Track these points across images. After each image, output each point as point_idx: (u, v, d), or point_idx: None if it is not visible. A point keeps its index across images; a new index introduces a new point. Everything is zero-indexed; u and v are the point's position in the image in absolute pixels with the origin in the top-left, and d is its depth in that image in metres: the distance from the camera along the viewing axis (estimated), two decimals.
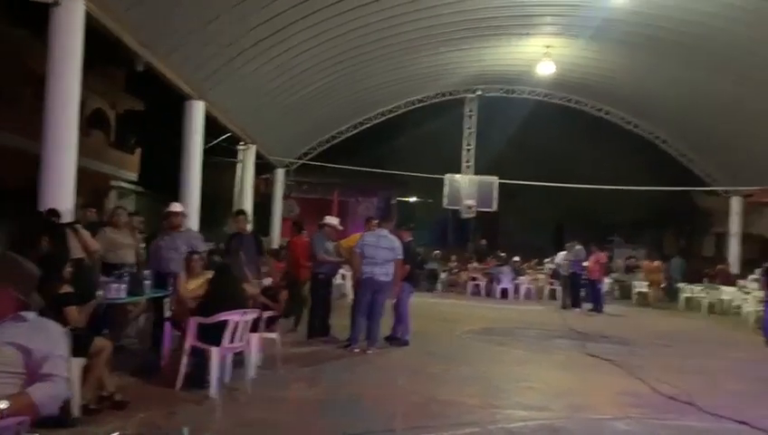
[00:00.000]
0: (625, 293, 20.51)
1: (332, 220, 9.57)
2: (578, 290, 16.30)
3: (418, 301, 13.46)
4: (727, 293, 16.95)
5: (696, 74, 17.11)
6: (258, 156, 19.30)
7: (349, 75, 17.73)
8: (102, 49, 11.68)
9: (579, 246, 16.25)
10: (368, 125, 22.96)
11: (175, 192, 12.74)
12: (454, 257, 20.67)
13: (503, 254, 21.62)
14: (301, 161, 23.08)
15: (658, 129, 22.25)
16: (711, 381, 7.92)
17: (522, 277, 19.05)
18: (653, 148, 23.05)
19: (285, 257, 11.15)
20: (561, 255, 17.21)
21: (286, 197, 24.59)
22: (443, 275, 19.67)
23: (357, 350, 8.43)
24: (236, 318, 6.02)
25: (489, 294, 18.47)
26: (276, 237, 21.31)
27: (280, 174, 22.73)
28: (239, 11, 11.09)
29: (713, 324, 14.67)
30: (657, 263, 20.14)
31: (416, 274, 9.76)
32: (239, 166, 19.21)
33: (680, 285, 19.04)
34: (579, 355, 9.31)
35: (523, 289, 18.66)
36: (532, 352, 9.61)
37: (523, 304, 17.03)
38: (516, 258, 20.01)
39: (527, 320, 13.46)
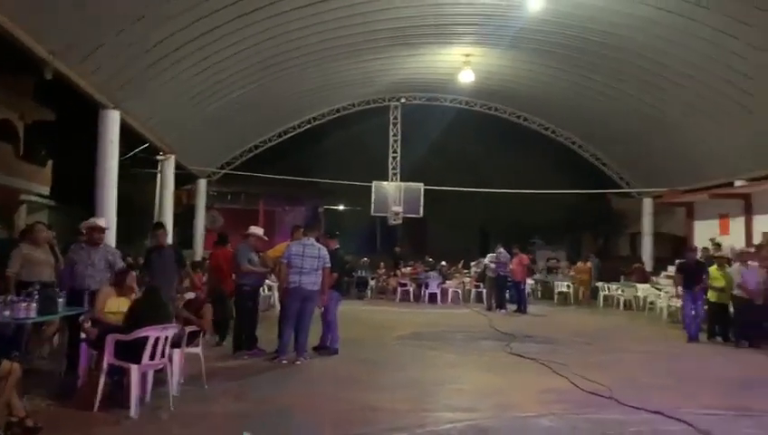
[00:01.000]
0: (547, 293, 21.18)
1: (257, 230, 9.39)
2: (503, 292, 16.71)
3: (348, 309, 13.40)
4: (642, 290, 17.80)
5: (604, 81, 17.93)
6: (179, 166, 18.78)
7: (272, 83, 17.55)
8: (8, 57, 11.09)
9: (501, 249, 16.67)
10: (293, 133, 22.81)
11: (90, 205, 12.21)
12: (382, 264, 20.74)
13: (430, 259, 21.90)
14: (224, 171, 22.64)
15: (574, 134, 23.18)
16: (628, 375, 8.27)
17: (449, 281, 19.34)
18: (570, 152, 23.99)
19: (207, 270, 10.88)
20: (487, 258, 17.60)
21: (209, 208, 24.03)
22: (372, 282, 19.69)
23: (285, 361, 8.30)
24: (156, 334, 5.81)
25: (418, 299, 18.63)
26: (199, 250, 20.78)
27: (202, 184, 22.22)
28: (156, 17, 10.77)
29: (629, 321, 15.34)
30: (588, 264, 20.99)
31: (344, 281, 9.73)
32: (159, 177, 18.61)
33: (598, 284, 19.83)
34: (504, 355, 9.51)
35: (450, 293, 18.94)
36: (460, 354, 9.75)
37: (451, 308, 17.26)
38: (443, 263, 20.30)
39: (455, 323, 13.66)
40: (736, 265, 11.54)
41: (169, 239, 10.63)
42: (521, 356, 9.29)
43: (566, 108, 21.14)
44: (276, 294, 12.31)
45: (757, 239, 16.45)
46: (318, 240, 8.93)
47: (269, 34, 14.20)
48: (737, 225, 18.58)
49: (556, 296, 20.08)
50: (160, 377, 6.25)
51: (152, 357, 5.81)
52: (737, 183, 17.98)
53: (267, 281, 12.71)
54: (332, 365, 8.44)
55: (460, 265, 21.41)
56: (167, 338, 5.96)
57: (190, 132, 17.98)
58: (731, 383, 7.86)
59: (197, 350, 7.03)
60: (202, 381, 6.82)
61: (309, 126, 22.77)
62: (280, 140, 22.76)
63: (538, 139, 24.30)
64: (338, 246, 9.40)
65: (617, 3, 13.64)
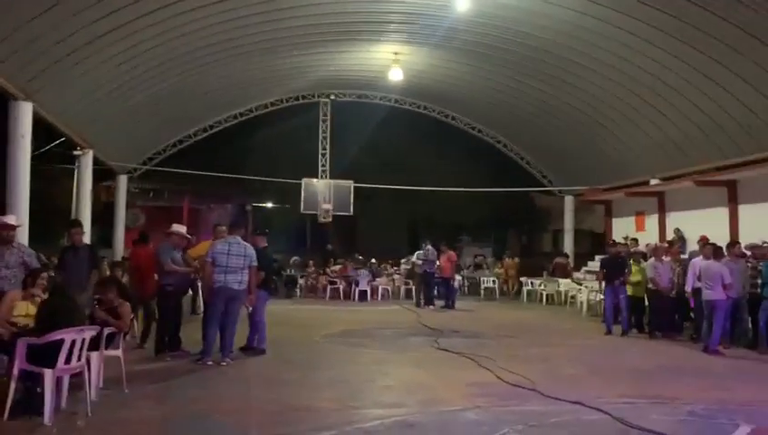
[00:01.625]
0: (474, 289, 21.62)
1: (180, 228, 9.11)
2: (431, 288, 16.94)
3: (276, 308, 13.26)
4: (563, 284, 18.44)
5: (527, 82, 18.43)
6: (98, 162, 18.00)
7: (197, 76, 17.10)
8: None
9: (429, 247, 16.88)
10: (219, 128, 22.30)
11: (0, 203, 11.54)
12: (312, 263, 20.59)
13: (360, 257, 21.93)
14: (146, 167, 21.88)
15: (499, 133, 23.73)
16: (550, 367, 8.55)
17: (379, 279, 19.41)
18: (496, 151, 24.54)
19: (127, 269, 10.49)
20: (415, 255, 17.80)
21: (131, 205, 23.19)
22: (301, 281, 19.53)
23: (210, 363, 8.10)
24: (72, 336, 5.54)
25: (348, 297, 18.61)
26: (120, 249, 20.02)
27: (123, 181, 21.39)
28: (72, 4, 10.27)
29: (552, 315, 15.84)
30: (515, 260, 21.85)
31: (272, 281, 9.57)
32: (76, 173, 17.77)
33: (522, 279, 20.41)
34: (432, 351, 9.63)
35: (380, 290, 19.02)
36: (389, 351, 9.79)
37: (381, 305, 17.34)
38: (373, 260, 20.36)
39: (384, 320, 13.72)
40: (651, 260, 12.10)
41: (87, 238, 10.18)
42: (448, 351, 9.44)
43: (492, 108, 21.61)
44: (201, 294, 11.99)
45: (670, 235, 17.34)
46: (247, 239, 8.77)
47: (195, 26, 13.82)
48: (652, 222, 19.53)
49: (483, 292, 20.51)
50: (77, 382, 5.95)
51: (68, 361, 5.54)
52: (652, 182, 18.89)
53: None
54: (259, 366, 8.30)
55: (390, 263, 21.53)
56: (83, 341, 5.69)
57: (110, 126, 17.27)
58: (645, 373, 8.24)
59: (117, 352, 6.76)
60: (122, 385, 6.57)
61: (236, 121, 22.33)
62: (205, 135, 22.22)
63: (465, 138, 24.73)
64: (266, 244, 9.25)
65: (539, 5, 14.03)
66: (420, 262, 16.91)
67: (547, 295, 18.76)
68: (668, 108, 16.16)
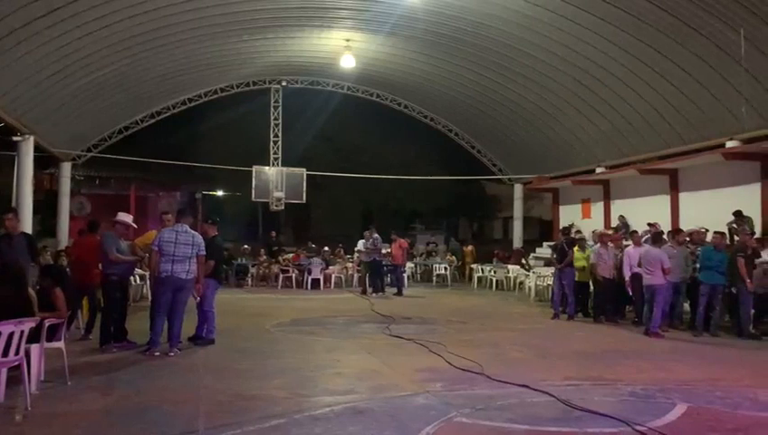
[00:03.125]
0: (426, 275, 21.83)
1: (125, 217, 8.88)
2: (378, 276, 16.95)
3: (227, 297, 13.12)
4: (512, 270, 18.80)
5: (478, 71, 18.62)
6: (39, 148, 17.34)
7: (144, 60, 16.67)
8: None
9: (375, 235, 16.89)
10: (167, 114, 21.78)
11: None
12: (263, 251, 20.37)
13: (313, 245, 21.83)
14: (90, 154, 21.22)
15: (451, 122, 23.90)
16: (499, 351, 8.73)
17: (332, 267, 19.37)
18: (448, 140, 24.75)
19: (70, 259, 10.19)
20: (361, 243, 17.83)
21: (76, 193, 22.50)
22: (253, 270, 19.32)
23: (157, 353, 7.98)
24: (9, 328, 5.36)
25: (300, 285, 18.51)
26: (64, 238, 19.42)
27: (66, 168, 20.72)
28: None
29: (501, 300, 16.13)
30: (470, 247, 22.63)
31: (221, 269, 9.44)
32: (17, 160, 17.09)
33: (473, 265, 20.70)
34: (384, 337, 9.70)
35: (333, 278, 18.99)
36: (340, 338, 9.81)
37: (334, 293, 17.31)
38: (326, 248, 20.29)
39: (336, 308, 13.72)
40: (596, 247, 12.45)
41: (29, 228, 9.84)
42: (399, 337, 9.53)
43: (443, 96, 21.75)
44: (148, 283, 11.75)
45: (614, 222, 17.86)
46: (196, 227, 8.62)
47: (141, 8, 13.47)
48: (598, 209, 20.08)
49: (435, 279, 20.73)
50: (16, 375, 5.77)
51: (5, 353, 5.36)
52: (598, 170, 19.39)
53: (138, 270, 12.15)
54: (208, 355, 8.20)
55: (342, 251, 21.51)
56: (22, 333, 5.52)
57: (52, 111, 16.67)
58: (589, 356, 8.49)
59: (59, 344, 6.58)
60: (65, 378, 6.40)
61: (184, 107, 21.83)
62: (153, 121, 21.67)
63: (418, 126, 24.85)
64: (216, 233, 9.12)
65: None
66: (365, 250, 16.94)
67: (497, 281, 19.09)
68: (614, 98, 16.59)
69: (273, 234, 23.31)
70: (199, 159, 23.96)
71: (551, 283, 13.58)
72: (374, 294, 16.29)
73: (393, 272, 17.59)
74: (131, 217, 9.13)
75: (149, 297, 10.02)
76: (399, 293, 16.64)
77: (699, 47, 13.24)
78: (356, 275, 19.46)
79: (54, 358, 6.53)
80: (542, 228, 26.03)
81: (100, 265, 8.84)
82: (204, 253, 8.21)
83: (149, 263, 8.44)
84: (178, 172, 25.29)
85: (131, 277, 11.05)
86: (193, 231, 8.31)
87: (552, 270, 13.47)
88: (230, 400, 5.97)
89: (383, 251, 17.45)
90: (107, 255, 8.48)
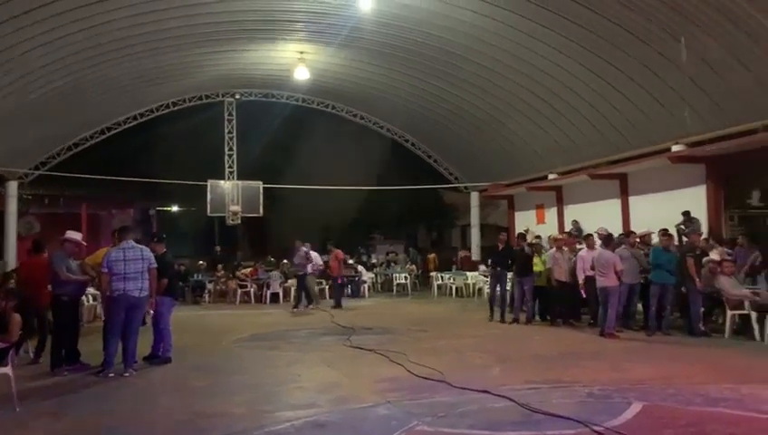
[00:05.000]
0: (387, 285, 21.85)
1: (74, 235, 8.64)
2: (305, 289, 16.23)
3: (183, 314, 12.88)
4: (471, 277, 18.98)
5: (432, 81, 18.85)
6: None
7: (91, 75, 16.35)
8: None
9: (303, 247, 16.37)
10: (118, 130, 21.34)
11: None
12: (220, 266, 20.07)
13: (272, 258, 21.61)
14: (38, 172, 20.61)
15: (407, 132, 24.08)
16: (459, 358, 8.79)
17: (291, 280, 19.16)
18: (404, 149, 24.90)
19: (18, 280, 9.85)
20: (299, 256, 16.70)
21: (24, 213, 21.79)
22: (210, 286, 19.01)
23: (112, 374, 7.76)
24: None
25: (260, 300, 18.29)
26: (12, 259, 18.78)
27: (13, 187, 20.05)
28: None
29: (461, 307, 16.25)
30: (433, 255, 23.21)
31: (175, 286, 9.26)
32: None
33: (432, 273, 20.82)
34: (344, 349, 9.65)
35: (292, 292, 18.77)
36: (302, 352, 9.72)
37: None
38: (285, 261, 20.10)
39: (296, 322, 13.62)
40: (551, 251, 12.67)
41: None
42: (360, 348, 9.50)
43: (398, 107, 21.90)
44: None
45: (568, 226, 18.22)
46: (143, 243, 8.45)
47: (89, 23, 13.22)
48: (552, 214, 20.46)
49: (395, 288, 20.76)
50: None
51: None
52: (551, 176, 19.77)
53: (91, 289, 11.82)
54: (165, 374, 8.02)
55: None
56: None
57: None
58: (547, 359, 8.62)
59: (6, 370, 6.34)
60: (13, 404, 6.17)
61: (135, 122, 21.44)
62: (103, 137, 21.20)
63: (374, 137, 24.94)
64: (165, 249, 8.95)
65: (441, 6, 14.37)
66: (301, 263, 16.21)
67: (456, 288, 19.23)
68: (564, 106, 16.98)
69: (218, 248, 22.83)
70: (152, 174, 23.53)
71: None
72: (294, 309, 15.66)
73: (332, 283, 17.06)
74: (81, 235, 8.89)
75: (103, 317, 9.77)
76: (338, 305, 16.12)
77: (644, 55, 13.69)
78: (317, 288, 19.32)
79: (2, 384, 6.30)
80: (498, 235, 26.37)
81: (49, 286, 8.56)
82: (155, 265, 8.04)
83: (100, 283, 8.22)
84: (131, 188, 24.71)
85: (83, 297, 10.75)
86: (141, 246, 8.15)
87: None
88: (188, 419, 5.85)
89: (314, 263, 16.76)
90: (57, 275, 8.23)
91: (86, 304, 12.26)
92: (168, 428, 5.59)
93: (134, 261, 7.86)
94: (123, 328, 7.90)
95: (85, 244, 9.31)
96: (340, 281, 17.04)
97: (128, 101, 20.09)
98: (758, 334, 9.58)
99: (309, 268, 16.30)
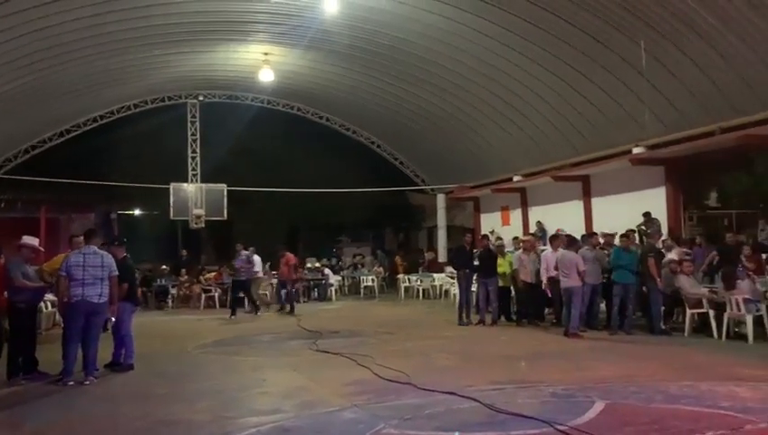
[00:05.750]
0: (354, 288, 21.81)
1: (30, 240, 8.39)
2: (236, 294, 15.72)
3: (146, 320, 12.65)
4: (438, 279, 19.06)
5: (397, 84, 18.93)
6: None
7: (52, 76, 15.97)
8: None
9: (245, 251, 15.91)
10: (78, 132, 20.87)
11: None
12: (184, 271, 19.73)
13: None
14: None
15: (372, 134, 24.09)
16: (426, 360, 8.80)
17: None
18: (370, 151, 24.90)
19: None
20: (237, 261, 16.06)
21: None
22: (173, 291, 18.68)
23: (71, 383, 7.54)
24: None
25: (224, 305, 18.01)
26: None
27: None
28: None
29: (428, 309, 16.32)
30: (401, 256, 23.38)
31: (135, 292, 9.06)
32: None
33: (400, 275, 20.86)
34: (311, 353, 9.58)
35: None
36: (266, 357, 9.63)
37: (259, 311, 16.94)
38: (225, 267, 19.77)
39: (262, 326, 13.47)
40: (518, 253, 12.79)
41: None
42: (326, 352, 9.43)
43: (364, 109, 21.92)
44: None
45: (532, 228, 18.44)
46: (106, 249, 8.25)
47: (48, 22, 12.89)
48: (516, 216, 20.68)
49: (362, 290, 20.73)
50: None
51: None
52: (515, 178, 19.99)
53: (49, 296, 11.50)
54: (126, 382, 7.85)
55: (267, 267, 21.14)
56: None
57: None
58: (512, 359, 8.70)
59: None
60: None
61: (96, 124, 20.99)
62: (62, 139, 20.71)
63: (340, 138, 24.88)
64: (125, 254, 8.76)
65: (407, 10, 14.43)
66: (241, 267, 15.61)
67: (423, 290, 19.29)
68: (527, 108, 17.20)
69: (184, 253, 22.35)
70: (113, 177, 23.05)
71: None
72: (233, 317, 14.83)
73: (282, 288, 16.56)
74: (37, 240, 8.64)
75: (62, 324, 9.51)
76: (291, 311, 15.64)
77: (605, 59, 13.95)
78: (283, 292, 19.15)
79: None
80: (464, 236, 26.54)
81: (5, 293, 8.29)
82: (116, 273, 7.85)
83: (58, 289, 7.99)
84: (92, 192, 24.16)
85: (41, 304, 10.45)
86: (102, 252, 7.95)
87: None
88: (150, 426, 5.72)
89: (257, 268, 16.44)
90: (12, 281, 7.98)
91: (44, 311, 11.91)
92: None
93: (94, 267, 7.66)
94: (83, 335, 7.68)
95: (43, 249, 9.06)
96: (292, 286, 16.47)
97: (87, 102, 19.67)
98: (716, 332, 9.82)
99: (258, 271, 15.94)
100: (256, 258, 16.49)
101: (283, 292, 16.53)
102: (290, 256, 16.74)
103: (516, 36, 14.38)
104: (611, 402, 6.01)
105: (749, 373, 7.16)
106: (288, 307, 16.00)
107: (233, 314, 15.03)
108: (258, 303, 16.17)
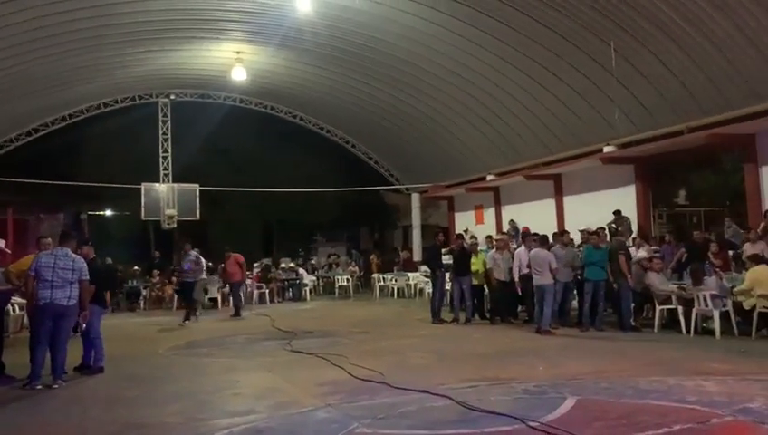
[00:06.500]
0: (329, 288, 21.76)
1: None
2: (189, 294, 14.86)
3: (117, 322, 12.47)
4: (413, 278, 19.11)
5: (372, 84, 18.93)
6: None
7: (15, 74, 15.64)
8: None
9: (192, 251, 15.07)
10: (46, 131, 20.48)
11: None
12: (156, 272, 19.48)
13: (210, 263, 21.10)
14: None
15: (347, 134, 24.06)
16: (400, 359, 8.81)
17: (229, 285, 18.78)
18: (345, 151, 24.86)
19: None
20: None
21: None
22: (145, 292, 18.43)
23: (39, 387, 7.39)
24: None
25: (242, 300, 17.65)
26: None
27: None
28: None
29: (403, 308, 16.34)
30: (376, 256, 23.33)
31: (103, 294, 8.89)
32: None
33: (374, 275, 20.87)
34: (285, 354, 9.53)
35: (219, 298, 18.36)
36: (239, 358, 9.55)
37: (233, 312, 16.79)
38: (223, 265, 19.69)
39: (235, 327, 13.37)
40: (491, 252, 12.88)
41: None
42: (300, 352, 9.39)
43: (338, 108, 21.88)
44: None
45: (506, 226, 18.58)
46: (76, 250, 8.11)
47: (10, 20, 12.64)
48: (490, 214, 20.84)
49: (337, 290, 20.70)
50: None
51: None
52: (489, 177, 20.13)
53: (17, 299, 11.27)
54: (96, 385, 7.72)
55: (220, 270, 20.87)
56: None
57: None
58: (486, 357, 8.75)
59: None
60: None
61: (65, 124, 20.62)
62: (30, 139, 20.29)
63: (315, 138, 24.80)
64: (94, 255, 8.62)
65: (381, 9, 14.44)
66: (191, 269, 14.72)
67: (398, 289, 19.32)
68: (501, 108, 17.33)
69: (157, 253, 21.83)
70: (83, 177, 22.68)
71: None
72: (186, 322, 13.96)
73: (233, 289, 15.95)
74: (4, 241, 8.47)
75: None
76: (237, 313, 15.10)
77: (576, 59, 14.11)
78: (256, 292, 19.07)
79: None
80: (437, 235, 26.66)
81: None
82: (87, 278, 7.72)
83: (26, 290, 7.83)
84: (61, 193, 23.79)
85: (8, 307, 10.23)
86: (75, 255, 7.81)
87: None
88: (119, 430, 5.64)
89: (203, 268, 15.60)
90: None
91: (11, 314, 11.66)
92: None
93: (64, 270, 7.51)
94: (51, 338, 7.54)
95: (9, 251, 8.87)
96: (239, 287, 15.87)
97: (55, 100, 19.30)
98: (684, 328, 10.00)
99: (202, 273, 15.12)
100: (202, 260, 15.60)
101: (240, 293, 15.94)
102: (238, 255, 15.98)
103: (490, 37, 14.48)
104: (582, 398, 6.08)
105: (716, 368, 7.30)
106: (235, 310, 15.24)
107: (187, 318, 14.09)
108: (199, 310, 15.11)
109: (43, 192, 22.73)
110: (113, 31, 15.28)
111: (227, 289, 16.75)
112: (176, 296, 17.94)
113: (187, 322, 13.99)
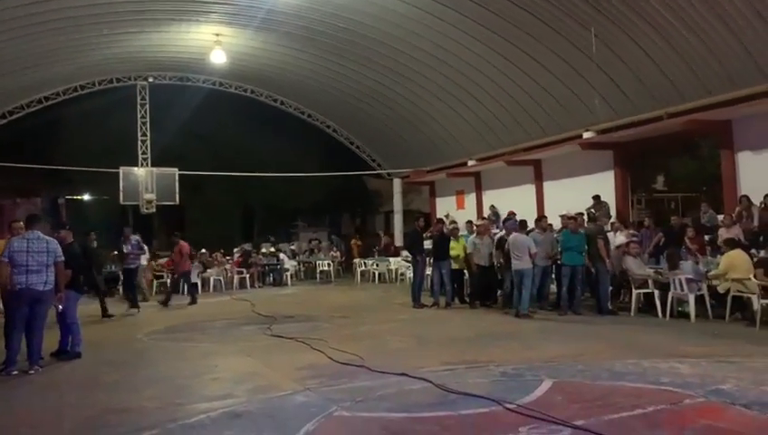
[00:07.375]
0: (310, 273, 21.74)
1: None
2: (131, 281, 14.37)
3: (96, 307, 12.31)
4: (394, 263, 19.15)
5: (354, 68, 18.81)
6: None
7: None
8: None
9: (133, 236, 14.72)
10: (20, 114, 20.13)
11: None
12: None
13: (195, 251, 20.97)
14: None
15: (328, 118, 23.92)
16: (380, 342, 8.85)
17: (210, 270, 18.76)
18: (326, 136, 24.74)
19: None
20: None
21: None
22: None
23: (15, 372, 7.32)
24: None
25: (177, 291, 17.69)
26: None
27: None
28: None
29: (384, 293, 16.38)
30: (357, 241, 23.24)
31: (80, 279, 8.79)
32: None
33: (355, 260, 20.88)
34: (265, 338, 9.53)
35: (212, 281, 18.38)
36: (219, 343, 9.51)
37: (213, 297, 16.76)
38: (203, 250, 19.61)
39: (215, 312, 13.31)
40: (472, 237, 12.93)
41: None
42: (280, 337, 9.40)
43: (320, 92, 21.72)
44: None
45: (486, 212, 18.68)
46: (54, 235, 8.01)
47: None
48: (471, 199, 20.91)
49: (318, 275, 20.69)
50: None
51: None
52: (470, 163, 20.18)
53: None
54: (73, 370, 7.65)
55: (221, 252, 20.89)
56: None
57: None
58: (465, 340, 8.82)
59: None
60: None
61: (40, 106, 20.26)
62: (5, 121, 19.94)
63: (296, 122, 24.63)
64: (72, 239, 8.51)
65: None
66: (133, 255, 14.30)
67: (379, 274, 19.36)
68: (482, 94, 17.33)
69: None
70: (60, 161, 22.34)
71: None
72: (133, 310, 13.41)
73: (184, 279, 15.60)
74: None
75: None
76: (193, 301, 14.81)
77: (556, 45, 14.13)
78: (236, 278, 19.01)
79: None
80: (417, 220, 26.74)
81: None
82: (62, 259, 7.62)
83: (0, 275, 7.71)
84: (38, 177, 23.48)
85: None
86: (47, 237, 7.70)
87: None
88: (97, 415, 5.60)
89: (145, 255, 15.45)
90: None
91: None
92: (76, 425, 5.34)
93: (39, 253, 7.41)
94: (27, 324, 7.46)
95: None
96: (180, 276, 15.51)
97: (31, 84, 18.94)
98: (660, 311, 10.15)
99: (143, 260, 14.82)
100: (144, 246, 15.25)
101: (188, 284, 15.66)
102: (184, 243, 15.55)
103: (471, 21, 14.44)
104: (559, 381, 6.16)
105: (690, 350, 7.43)
106: (165, 299, 14.71)
107: (134, 305, 13.53)
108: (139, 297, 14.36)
109: (20, 176, 22.39)
110: (91, 12, 14.99)
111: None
112: (155, 281, 17.82)
113: (134, 310, 13.36)
